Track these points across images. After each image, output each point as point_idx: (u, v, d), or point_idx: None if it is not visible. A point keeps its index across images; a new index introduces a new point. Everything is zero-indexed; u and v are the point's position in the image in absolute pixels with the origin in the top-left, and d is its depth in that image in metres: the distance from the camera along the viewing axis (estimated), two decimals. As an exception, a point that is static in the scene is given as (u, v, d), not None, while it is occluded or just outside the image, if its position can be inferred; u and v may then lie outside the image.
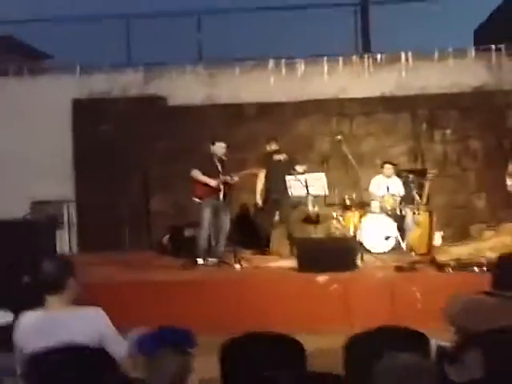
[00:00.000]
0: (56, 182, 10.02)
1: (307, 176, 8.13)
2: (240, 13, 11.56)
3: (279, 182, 8.49)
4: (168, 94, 10.48)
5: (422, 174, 9.38)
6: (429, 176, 8.95)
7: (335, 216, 8.86)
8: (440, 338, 3.54)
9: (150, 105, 10.41)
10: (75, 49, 11.45)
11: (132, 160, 10.13)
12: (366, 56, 10.48)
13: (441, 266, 7.21)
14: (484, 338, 3.24)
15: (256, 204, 9.18)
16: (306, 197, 8.37)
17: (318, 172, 8.28)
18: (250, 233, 9.42)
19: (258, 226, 9.42)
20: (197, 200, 8.13)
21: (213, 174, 8.04)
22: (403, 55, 10.29)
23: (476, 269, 6.91)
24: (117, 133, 10.01)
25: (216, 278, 7.45)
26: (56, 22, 11.41)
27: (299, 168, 8.59)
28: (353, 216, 8.83)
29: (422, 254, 8.25)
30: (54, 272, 3.28)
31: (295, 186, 8.13)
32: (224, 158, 8.22)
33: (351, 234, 8.49)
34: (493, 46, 10.12)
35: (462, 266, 7.14)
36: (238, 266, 7.81)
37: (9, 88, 10.43)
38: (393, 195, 8.85)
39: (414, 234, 8.67)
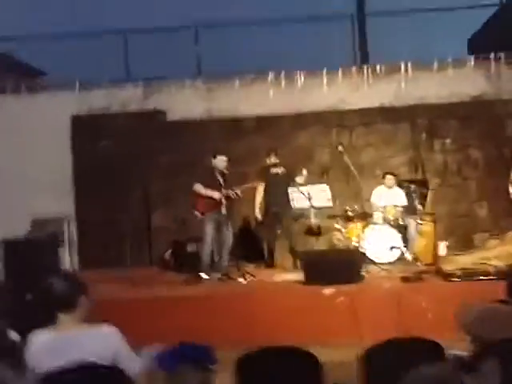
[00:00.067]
0: (56, 199, 9.95)
1: (311, 188, 8.10)
2: (238, 26, 11.57)
3: (278, 195, 8.48)
4: (167, 109, 10.47)
5: (422, 184, 9.37)
6: (431, 185, 8.95)
7: (337, 227, 8.83)
8: (449, 347, 3.51)
9: (149, 120, 10.40)
10: (74, 65, 11.41)
11: (132, 175, 10.07)
12: (365, 67, 10.51)
13: (447, 276, 7.19)
14: (501, 346, 3.20)
15: (256, 218, 9.15)
16: (309, 209, 8.33)
17: (319, 183, 8.26)
18: (253, 246, 9.38)
19: (260, 239, 9.38)
20: (199, 215, 8.09)
21: (214, 187, 8.02)
22: (402, 66, 10.31)
23: (483, 277, 6.90)
24: (117, 148, 9.99)
25: (223, 293, 7.40)
26: (54, 39, 11.35)
27: (299, 179, 8.55)
28: (355, 227, 8.78)
29: (427, 264, 8.25)
30: (66, 290, 3.24)
31: (298, 198, 8.10)
32: (225, 171, 8.20)
33: (354, 245, 8.46)
34: (492, 56, 10.16)
35: (468, 275, 7.13)
36: (242, 281, 7.75)
37: (7, 105, 10.41)
38: (395, 206, 8.83)
39: (419, 244, 8.64)
